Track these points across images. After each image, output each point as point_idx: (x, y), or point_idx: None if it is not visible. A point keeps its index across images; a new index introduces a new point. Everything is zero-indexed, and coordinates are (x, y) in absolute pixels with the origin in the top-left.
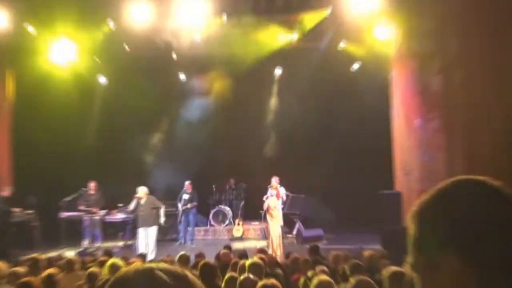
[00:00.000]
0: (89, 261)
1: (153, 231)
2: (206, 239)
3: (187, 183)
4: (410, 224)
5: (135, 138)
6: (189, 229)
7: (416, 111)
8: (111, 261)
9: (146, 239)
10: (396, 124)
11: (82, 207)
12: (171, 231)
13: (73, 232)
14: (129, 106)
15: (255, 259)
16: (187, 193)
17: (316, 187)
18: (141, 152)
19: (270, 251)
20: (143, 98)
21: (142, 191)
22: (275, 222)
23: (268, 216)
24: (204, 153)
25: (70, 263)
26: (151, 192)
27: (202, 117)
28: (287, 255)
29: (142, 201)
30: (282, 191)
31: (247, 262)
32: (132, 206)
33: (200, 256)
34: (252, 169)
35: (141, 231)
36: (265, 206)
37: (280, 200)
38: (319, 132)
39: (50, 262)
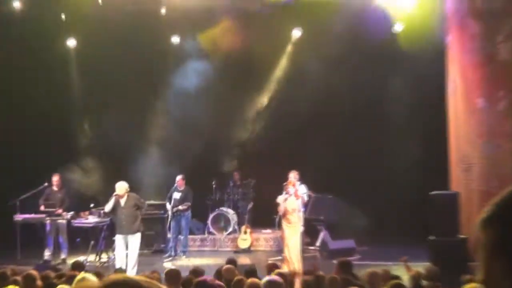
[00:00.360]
0: (54, 276)
1: (135, 240)
2: (203, 251)
3: (178, 177)
4: (484, 229)
5: (113, 117)
6: (181, 237)
7: (478, 88)
8: (81, 275)
9: (125, 250)
10: (452, 105)
11: (43, 208)
12: (158, 240)
13: (31, 240)
14: (105, 76)
15: (273, 276)
16: (179, 191)
17: (347, 184)
18: (121, 135)
19: (285, 267)
20: (123, 66)
21: (121, 188)
22: (293, 230)
23: (284, 222)
24: (201, 137)
25: (29, 278)
26: (133, 189)
27: (199, 90)
28: (308, 272)
29: (122, 201)
30: (303, 189)
31: (264, 280)
32: (109, 206)
33: (195, 272)
34: (264, 160)
35: (119, 240)
36: (281, 210)
37: (300, 201)
38: (351, 112)
39: (3, 278)
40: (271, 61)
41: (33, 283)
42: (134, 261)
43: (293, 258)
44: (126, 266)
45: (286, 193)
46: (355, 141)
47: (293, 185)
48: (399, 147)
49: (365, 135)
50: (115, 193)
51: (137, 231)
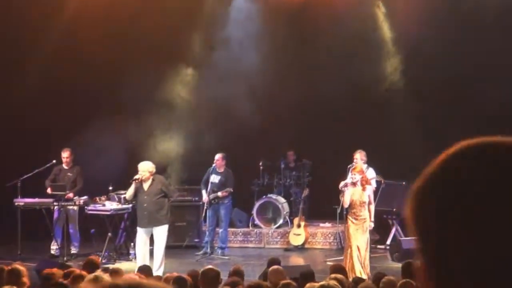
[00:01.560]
0: (60, 275)
1: (160, 233)
2: (247, 248)
3: (218, 156)
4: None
5: (143, 72)
6: (220, 231)
7: None
8: (93, 275)
9: (148, 246)
10: None
11: (50, 190)
12: (192, 233)
13: (35, 230)
14: (133, 18)
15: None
16: (218, 173)
17: (425, 168)
18: (147, 97)
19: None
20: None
21: (145, 168)
22: (361, 227)
23: (349, 217)
24: (249, 101)
25: (15, 275)
26: (160, 170)
27: (250, 36)
28: (376, 277)
29: (146, 185)
30: (371, 174)
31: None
32: (129, 193)
33: (236, 273)
34: (324, 135)
35: (140, 234)
36: (346, 200)
37: (370, 191)
38: (444, 78)
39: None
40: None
41: (18, 279)
42: (160, 259)
43: (356, 263)
44: (151, 264)
45: (352, 182)
46: (441, 115)
47: (361, 172)
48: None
49: (458, 103)
50: (134, 178)
51: (163, 223)
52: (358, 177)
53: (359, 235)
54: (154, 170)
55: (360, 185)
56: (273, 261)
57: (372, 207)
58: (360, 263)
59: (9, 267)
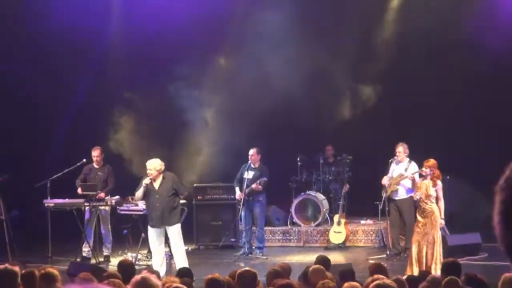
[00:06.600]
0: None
1: (176, 232)
2: (285, 247)
3: (252, 151)
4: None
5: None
6: (256, 230)
7: None
8: (139, 276)
9: (163, 246)
10: None
11: (80, 191)
12: (228, 232)
13: (65, 231)
14: None
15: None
16: (253, 169)
17: (471, 162)
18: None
19: (408, 269)
20: None
21: (152, 167)
22: (428, 220)
23: (419, 212)
24: (282, 96)
25: (50, 279)
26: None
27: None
28: (421, 275)
29: (156, 184)
30: (413, 168)
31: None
32: (139, 193)
33: (274, 274)
34: (363, 129)
35: (153, 233)
36: (416, 194)
37: (440, 186)
38: (487, 63)
39: (30, 280)
40: None
41: (51, 284)
42: (184, 258)
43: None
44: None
45: (423, 175)
46: (484, 104)
47: (434, 166)
48: None
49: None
50: (145, 181)
51: (177, 222)
52: (429, 171)
53: (429, 230)
54: (163, 168)
55: (430, 179)
56: (321, 260)
57: (442, 203)
58: (431, 260)
59: (42, 271)
